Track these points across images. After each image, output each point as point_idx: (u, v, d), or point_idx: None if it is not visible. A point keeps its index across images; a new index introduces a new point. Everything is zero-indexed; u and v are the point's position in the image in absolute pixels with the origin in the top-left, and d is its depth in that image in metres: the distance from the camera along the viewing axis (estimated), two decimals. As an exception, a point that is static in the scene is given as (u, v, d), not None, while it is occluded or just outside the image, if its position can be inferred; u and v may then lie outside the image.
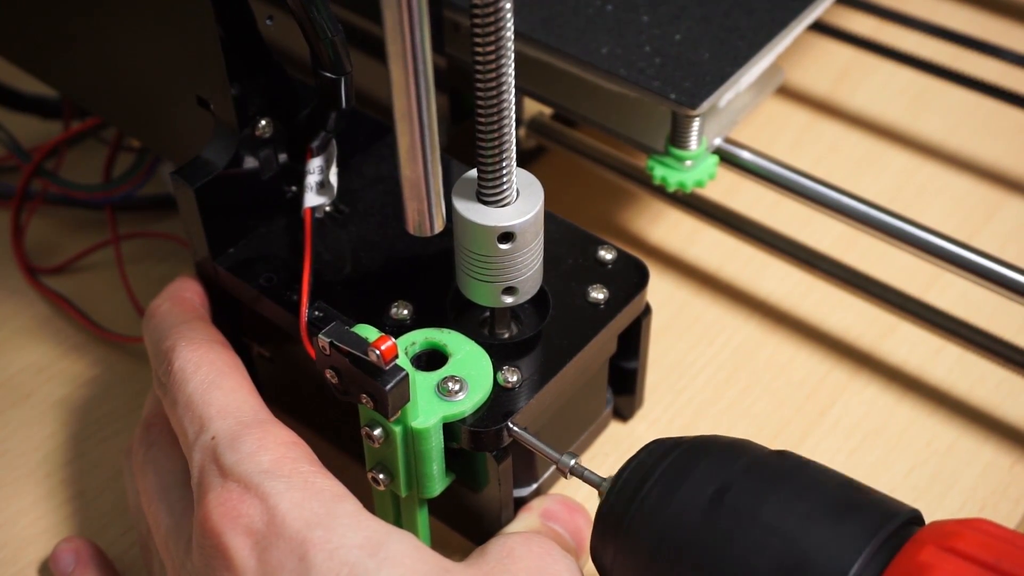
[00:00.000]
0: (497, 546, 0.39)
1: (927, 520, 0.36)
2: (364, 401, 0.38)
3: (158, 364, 0.42)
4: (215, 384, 0.40)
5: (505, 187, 0.38)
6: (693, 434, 0.49)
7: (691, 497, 0.35)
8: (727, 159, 0.51)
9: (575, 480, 0.40)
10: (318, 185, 0.45)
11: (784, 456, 0.37)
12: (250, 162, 0.44)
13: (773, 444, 0.48)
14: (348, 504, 0.37)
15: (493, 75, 0.36)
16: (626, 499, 0.37)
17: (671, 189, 0.50)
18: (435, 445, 0.40)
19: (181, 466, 0.41)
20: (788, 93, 0.65)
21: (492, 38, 0.35)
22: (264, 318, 0.45)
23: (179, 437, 0.40)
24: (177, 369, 0.40)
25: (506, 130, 0.37)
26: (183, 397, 0.40)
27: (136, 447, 0.43)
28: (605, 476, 0.39)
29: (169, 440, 0.42)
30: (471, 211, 0.39)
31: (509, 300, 0.41)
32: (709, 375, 0.51)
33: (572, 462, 0.39)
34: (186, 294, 0.45)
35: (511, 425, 0.40)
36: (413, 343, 0.41)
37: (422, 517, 0.42)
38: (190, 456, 0.39)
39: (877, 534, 0.33)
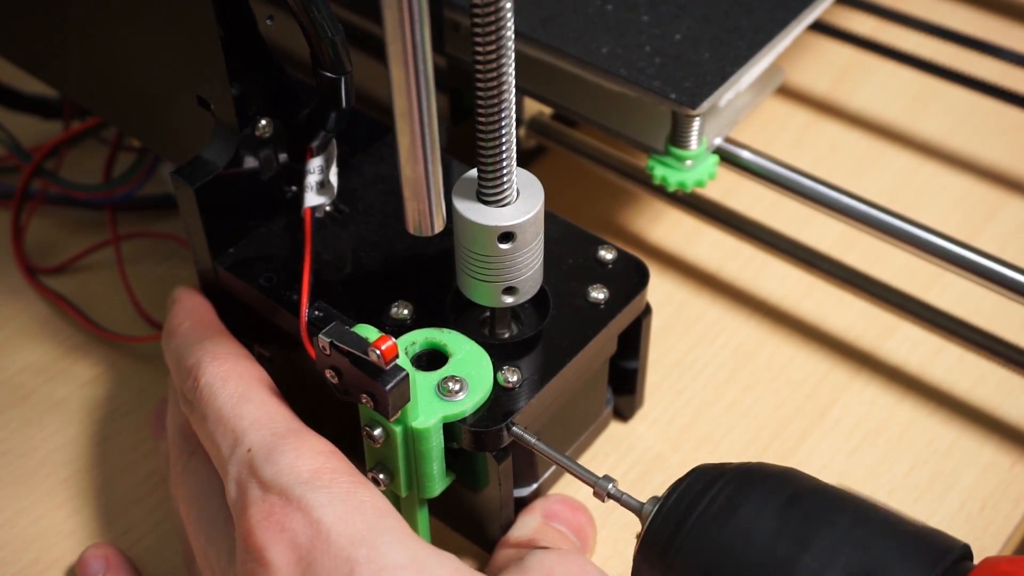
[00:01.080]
0: (535, 563, 0.39)
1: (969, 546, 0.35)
2: (364, 401, 0.38)
3: (183, 380, 0.41)
4: (245, 397, 0.39)
5: (505, 187, 0.38)
6: (694, 434, 0.49)
7: (743, 530, 0.35)
8: (727, 159, 0.51)
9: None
10: (318, 185, 0.45)
11: (831, 490, 0.37)
12: (250, 162, 0.44)
13: (773, 444, 0.49)
14: (391, 519, 0.36)
15: (493, 75, 0.36)
16: (674, 525, 0.36)
17: (671, 189, 0.50)
18: (435, 445, 0.40)
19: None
20: (788, 93, 0.65)
21: (492, 38, 0.35)
22: (264, 318, 0.45)
23: (210, 452, 0.40)
24: (204, 384, 0.40)
25: (506, 130, 0.37)
26: (213, 411, 0.39)
27: (175, 457, 0.43)
28: (624, 489, 0.39)
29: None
30: (471, 211, 0.39)
31: (509, 300, 0.41)
32: (709, 375, 0.51)
33: (610, 486, 0.39)
34: (203, 310, 0.44)
35: (511, 425, 0.40)
36: (413, 343, 0.41)
37: (422, 517, 0.42)
38: (224, 471, 0.38)
39: (931, 573, 0.33)
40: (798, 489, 0.36)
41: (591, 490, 0.39)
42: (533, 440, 0.40)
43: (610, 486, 0.39)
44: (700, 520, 0.36)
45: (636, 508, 0.38)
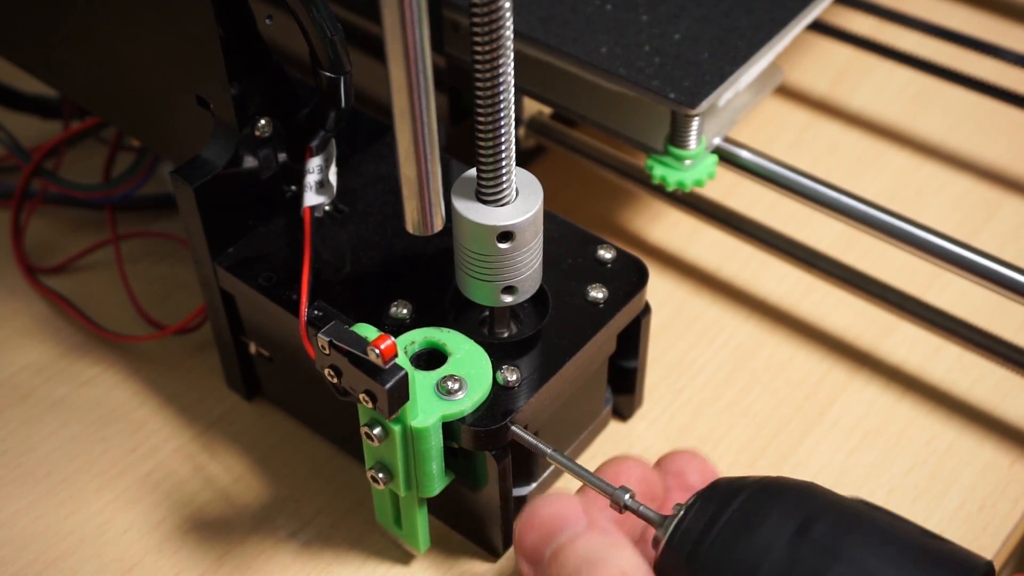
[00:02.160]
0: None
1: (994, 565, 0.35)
2: (364, 400, 0.38)
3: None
4: None
5: (504, 186, 0.38)
6: (693, 434, 0.49)
7: (764, 545, 0.35)
8: (726, 158, 0.51)
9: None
10: (317, 184, 0.45)
11: (853, 505, 0.36)
12: (249, 161, 0.44)
13: (772, 444, 0.49)
14: None
15: (492, 74, 0.36)
16: (693, 540, 0.36)
17: (670, 188, 0.50)
18: (434, 444, 0.40)
19: None
20: (787, 93, 0.65)
21: (491, 37, 0.35)
22: (263, 317, 0.45)
23: None
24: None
25: (505, 129, 0.37)
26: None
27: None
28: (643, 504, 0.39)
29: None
30: (470, 210, 0.39)
31: (508, 299, 0.41)
32: (709, 375, 0.51)
33: (626, 496, 0.38)
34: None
35: (511, 424, 0.40)
36: (412, 342, 0.41)
37: (421, 516, 0.42)
38: None
39: None
40: (819, 504, 0.35)
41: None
42: (544, 448, 0.40)
43: (627, 497, 0.38)
44: (720, 536, 0.35)
45: (656, 521, 0.37)
